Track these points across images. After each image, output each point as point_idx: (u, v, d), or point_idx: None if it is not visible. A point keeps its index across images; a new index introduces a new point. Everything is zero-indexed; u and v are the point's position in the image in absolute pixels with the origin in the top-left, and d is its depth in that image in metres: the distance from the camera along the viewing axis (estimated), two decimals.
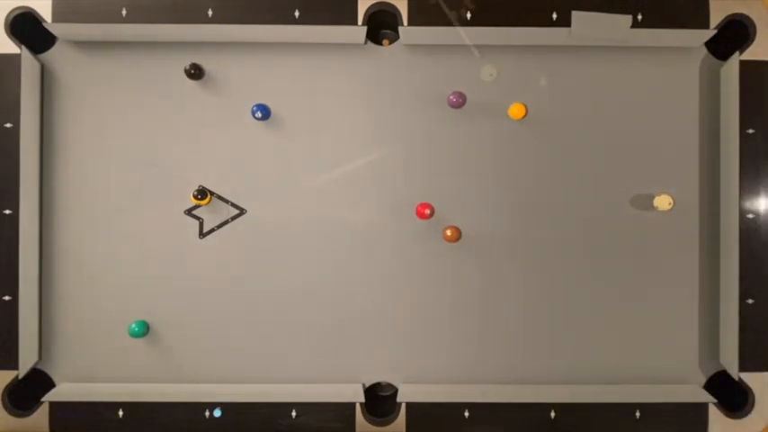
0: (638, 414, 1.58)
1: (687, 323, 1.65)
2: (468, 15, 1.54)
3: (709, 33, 1.59)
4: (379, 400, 1.65)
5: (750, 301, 1.58)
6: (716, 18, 1.59)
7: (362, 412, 1.58)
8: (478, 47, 1.61)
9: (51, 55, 1.63)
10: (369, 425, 1.57)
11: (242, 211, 1.65)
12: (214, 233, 1.65)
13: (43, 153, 1.62)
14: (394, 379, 1.65)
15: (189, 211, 1.64)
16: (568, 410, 1.58)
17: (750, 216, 1.59)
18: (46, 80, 1.62)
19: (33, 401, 1.59)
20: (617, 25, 1.57)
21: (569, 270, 1.65)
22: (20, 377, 1.59)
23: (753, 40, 1.57)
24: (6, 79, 1.57)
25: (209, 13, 1.59)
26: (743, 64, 1.57)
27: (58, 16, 1.58)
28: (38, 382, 1.62)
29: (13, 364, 1.59)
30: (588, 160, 1.64)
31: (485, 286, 1.65)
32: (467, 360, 1.65)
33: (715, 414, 1.58)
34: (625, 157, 1.64)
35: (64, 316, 1.64)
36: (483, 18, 1.59)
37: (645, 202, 1.64)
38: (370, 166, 1.65)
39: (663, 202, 1.57)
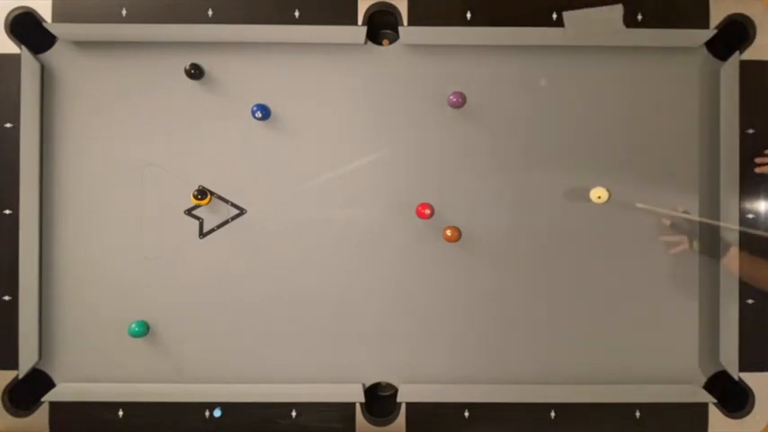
0: (638, 414, 1.58)
1: (687, 323, 1.65)
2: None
3: (710, 33, 1.59)
4: (379, 400, 1.65)
5: (750, 301, 1.58)
6: (716, 18, 1.59)
7: (362, 412, 1.58)
8: (478, 47, 1.62)
9: (51, 55, 1.63)
10: (369, 425, 1.58)
11: (242, 212, 1.65)
12: (214, 233, 1.65)
13: (43, 153, 1.62)
14: (394, 379, 1.65)
15: (189, 211, 1.64)
16: (568, 410, 1.59)
17: (750, 216, 1.59)
18: (46, 80, 1.62)
19: (33, 401, 1.59)
20: (609, 17, 1.57)
21: (569, 270, 1.65)
22: (20, 377, 1.59)
23: (753, 40, 1.57)
24: (6, 79, 1.57)
25: (210, 13, 1.59)
26: (743, 64, 1.57)
27: (58, 16, 1.58)
28: (38, 382, 1.62)
29: (13, 364, 1.59)
30: (588, 160, 1.64)
31: (485, 286, 1.65)
32: (467, 360, 1.65)
33: (715, 414, 1.58)
34: (625, 158, 1.64)
35: (64, 316, 1.64)
36: (483, 18, 1.59)
37: (644, 203, 1.63)
38: (370, 166, 1.65)
39: (598, 194, 1.58)
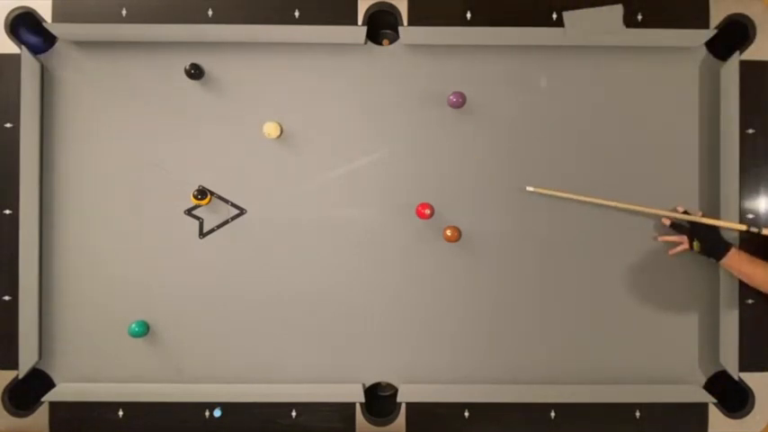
0: (638, 414, 1.58)
1: (687, 323, 1.65)
2: None
3: (710, 33, 1.59)
4: (379, 400, 1.65)
5: (750, 301, 1.58)
6: (716, 18, 1.59)
7: (362, 412, 1.58)
8: (478, 47, 1.62)
9: (51, 55, 1.63)
10: (369, 425, 1.58)
11: (242, 211, 1.65)
12: (214, 233, 1.65)
13: (43, 153, 1.62)
14: (394, 379, 1.65)
15: (189, 211, 1.64)
16: (568, 410, 1.59)
17: (750, 216, 1.59)
18: (46, 80, 1.62)
19: (33, 401, 1.59)
20: (609, 17, 1.57)
21: (569, 269, 1.65)
22: (20, 377, 1.59)
23: (753, 40, 1.57)
24: (6, 79, 1.57)
25: (210, 13, 1.59)
26: (743, 64, 1.57)
27: (58, 16, 1.58)
28: (38, 382, 1.62)
29: (13, 364, 1.59)
30: (588, 161, 1.64)
31: (485, 286, 1.65)
32: (467, 360, 1.65)
33: (715, 414, 1.58)
34: (625, 158, 1.64)
35: (64, 316, 1.64)
36: (483, 18, 1.59)
37: (644, 203, 1.63)
38: (370, 166, 1.65)
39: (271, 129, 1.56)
